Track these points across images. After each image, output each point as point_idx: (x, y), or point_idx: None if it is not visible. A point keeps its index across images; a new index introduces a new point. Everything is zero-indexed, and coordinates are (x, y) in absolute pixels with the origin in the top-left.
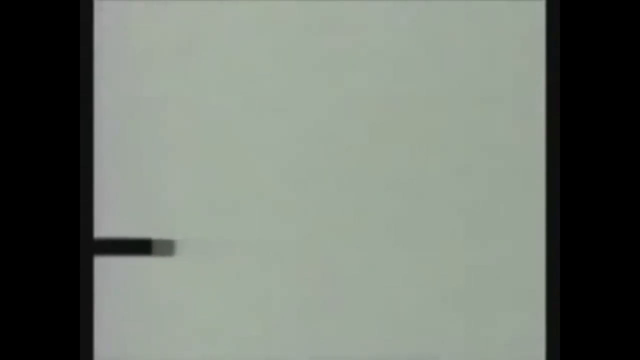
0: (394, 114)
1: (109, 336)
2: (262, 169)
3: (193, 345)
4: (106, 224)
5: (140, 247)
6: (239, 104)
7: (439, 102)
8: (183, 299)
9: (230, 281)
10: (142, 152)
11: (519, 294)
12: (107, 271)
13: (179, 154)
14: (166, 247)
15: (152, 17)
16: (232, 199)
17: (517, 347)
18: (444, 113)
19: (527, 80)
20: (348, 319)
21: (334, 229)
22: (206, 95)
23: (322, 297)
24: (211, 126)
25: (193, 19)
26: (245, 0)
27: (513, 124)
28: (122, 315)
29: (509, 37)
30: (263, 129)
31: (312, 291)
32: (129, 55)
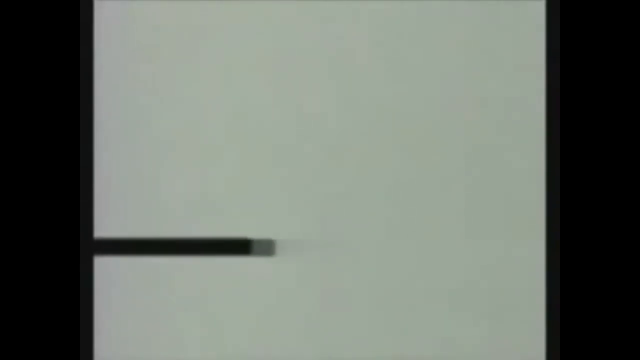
0: (393, 114)
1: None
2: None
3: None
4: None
5: (240, 247)
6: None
7: (439, 102)
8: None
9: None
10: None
11: (519, 294)
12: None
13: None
14: (266, 247)
15: (152, 17)
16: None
17: (517, 347)
18: (444, 113)
19: (527, 80)
20: (350, 320)
21: (331, 228)
22: (212, 92)
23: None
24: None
25: (193, 19)
26: (246, 0)
27: (513, 124)
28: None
29: (509, 37)
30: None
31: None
32: (130, 54)
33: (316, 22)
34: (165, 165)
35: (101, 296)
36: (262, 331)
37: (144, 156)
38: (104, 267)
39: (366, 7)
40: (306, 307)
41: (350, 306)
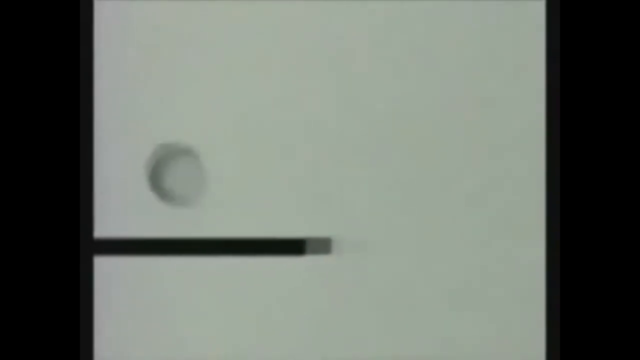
0: (392, 114)
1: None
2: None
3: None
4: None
5: (294, 246)
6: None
7: (439, 102)
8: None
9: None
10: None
11: (519, 294)
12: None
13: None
14: (322, 246)
15: (152, 17)
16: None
17: (517, 347)
18: (444, 113)
19: (527, 80)
20: (353, 319)
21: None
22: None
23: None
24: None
25: (193, 19)
26: (247, 1)
27: (513, 124)
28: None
29: (509, 37)
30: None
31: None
32: (130, 54)
33: (316, 22)
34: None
35: (101, 296)
36: (261, 331)
37: (143, 156)
38: (104, 267)
39: (366, 7)
40: (306, 307)
41: (349, 306)
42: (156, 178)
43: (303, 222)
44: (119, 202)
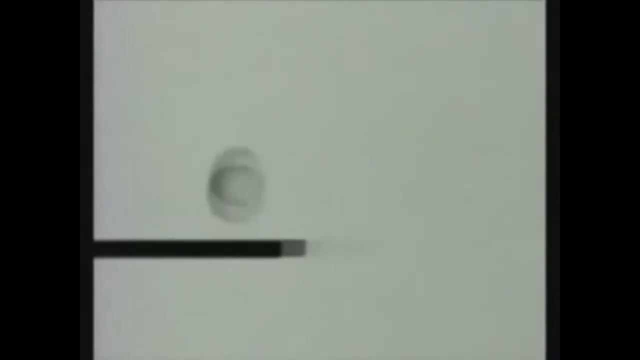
0: (392, 114)
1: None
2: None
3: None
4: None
5: (269, 249)
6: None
7: (438, 102)
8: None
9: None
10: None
11: (519, 294)
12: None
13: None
14: (297, 248)
15: (153, 17)
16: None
17: (517, 347)
18: (443, 114)
19: (527, 80)
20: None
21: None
22: (210, 92)
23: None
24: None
25: (193, 19)
26: (247, 0)
27: (513, 124)
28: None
29: (509, 37)
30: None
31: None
32: (130, 54)
33: (316, 22)
34: (166, 165)
35: (101, 297)
36: (262, 332)
37: (144, 156)
38: (105, 268)
39: (366, 7)
40: (306, 307)
41: (349, 306)
42: (218, 186)
43: (303, 223)
44: (119, 203)
